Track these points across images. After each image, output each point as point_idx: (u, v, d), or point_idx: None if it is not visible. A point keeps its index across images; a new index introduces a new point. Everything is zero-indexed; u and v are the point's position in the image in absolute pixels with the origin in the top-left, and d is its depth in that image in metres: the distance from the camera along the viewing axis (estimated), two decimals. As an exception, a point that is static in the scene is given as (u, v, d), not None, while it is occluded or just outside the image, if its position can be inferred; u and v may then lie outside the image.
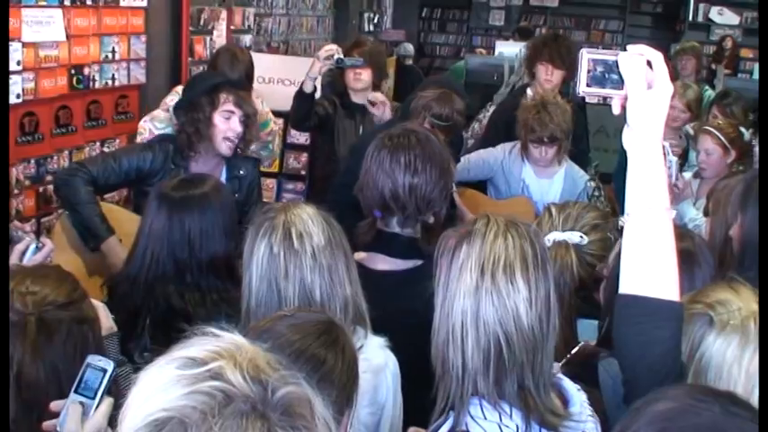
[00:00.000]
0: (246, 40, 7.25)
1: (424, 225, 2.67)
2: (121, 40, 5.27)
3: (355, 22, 10.41)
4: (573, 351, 2.25)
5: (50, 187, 4.65)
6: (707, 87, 7.19)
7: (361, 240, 2.66)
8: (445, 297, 1.76)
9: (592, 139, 5.33)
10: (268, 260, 2.16)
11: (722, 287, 1.88)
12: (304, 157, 6.20)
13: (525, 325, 1.70)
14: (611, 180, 4.74)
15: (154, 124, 4.51)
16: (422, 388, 1.82)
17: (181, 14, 5.91)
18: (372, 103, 4.62)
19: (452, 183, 3.04)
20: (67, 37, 4.73)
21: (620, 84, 1.73)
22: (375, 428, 2.19)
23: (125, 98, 5.42)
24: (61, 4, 4.66)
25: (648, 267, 1.71)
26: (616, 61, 1.72)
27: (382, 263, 2.65)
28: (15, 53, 4.27)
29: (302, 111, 4.82)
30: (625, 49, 1.75)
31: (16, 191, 4.44)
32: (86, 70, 4.96)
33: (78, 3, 4.83)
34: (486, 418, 1.69)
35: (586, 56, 1.74)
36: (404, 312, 2.30)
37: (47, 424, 1.81)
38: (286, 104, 5.79)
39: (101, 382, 1.81)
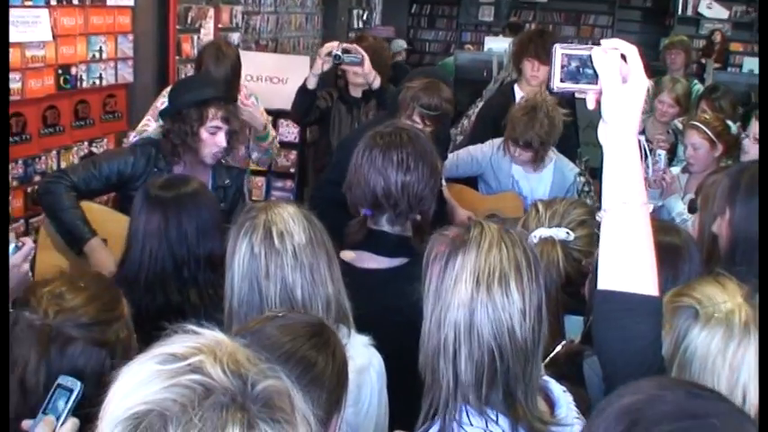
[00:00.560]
0: (234, 38, 7.22)
1: (414, 223, 2.66)
2: (108, 40, 5.26)
3: (344, 19, 10.38)
4: (557, 349, 2.24)
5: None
6: (696, 81, 7.21)
7: (351, 239, 2.66)
8: (436, 307, 1.74)
9: (581, 134, 5.32)
10: (249, 260, 2.15)
11: (708, 281, 1.88)
12: (293, 154, 6.20)
13: (519, 337, 1.69)
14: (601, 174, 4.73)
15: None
16: (407, 386, 1.82)
17: (168, 13, 5.88)
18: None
19: (441, 180, 3.04)
20: (54, 37, 4.72)
21: (594, 78, 1.71)
22: (359, 428, 2.19)
23: (113, 98, 5.41)
24: (47, 4, 4.65)
25: (626, 262, 1.71)
26: (590, 56, 1.71)
27: (370, 261, 2.65)
28: (1, 53, 4.26)
29: (304, 106, 4.86)
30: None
31: (4, 191, 4.43)
32: (73, 70, 4.94)
33: (65, 2, 4.81)
34: (472, 425, 1.69)
35: (559, 51, 1.72)
36: (390, 310, 2.30)
37: None
38: (275, 102, 5.81)
39: (66, 403, 1.79)
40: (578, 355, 2.14)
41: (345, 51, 4.60)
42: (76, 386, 1.80)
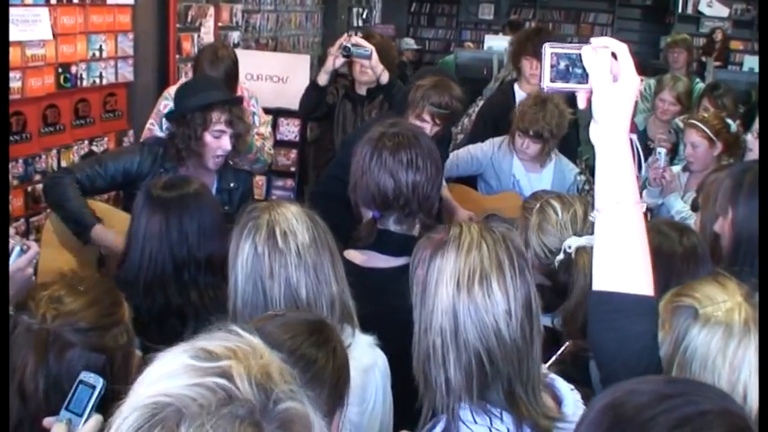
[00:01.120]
0: (234, 36, 7.22)
1: (422, 223, 2.66)
2: (109, 38, 5.25)
3: (344, 18, 10.37)
4: (561, 350, 2.24)
5: (39, 186, 4.64)
6: (698, 80, 7.20)
7: (363, 243, 2.66)
8: (423, 312, 1.74)
9: (582, 133, 5.31)
10: (253, 260, 2.15)
11: (708, 281, 1.87)
12: (293, 153, 6.19)
13: (507, 338, 1.68)
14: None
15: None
16: (411, 385, 1.81)
17: (168, 12, 5.88)
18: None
19: (443, 179, 3.05)
20: (54, 35, 4.71)
21: (584, 78, 1.70)
22: (364, 427, 2.18)
23: (113, 96, 5.40)
24: (47, 3, 4.64)
25: (620, 263, 1.69)
26: (579, 55, 1.69)
27: (375, 260, 2.65)
28: (1, 52, 4.25)
29: (312, 102, 4.89)
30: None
31: (4, 190, 4.42)
32: (74, 69, 4.93)
33: (65, 1, 4.80)
34: (476, 422, 1.68)
35: (549, 50, 1.71)
36: (394, 309, 2.29)
37: None
38: (275, 101, 5.81)
39: (89, 399, 1.79)
40: (584, 353, 2.14)
41: (355, 45, 4.60)
42: (99, 383, 1.80)
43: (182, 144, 3.55)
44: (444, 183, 4.33)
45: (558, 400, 1.79)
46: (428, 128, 3.59)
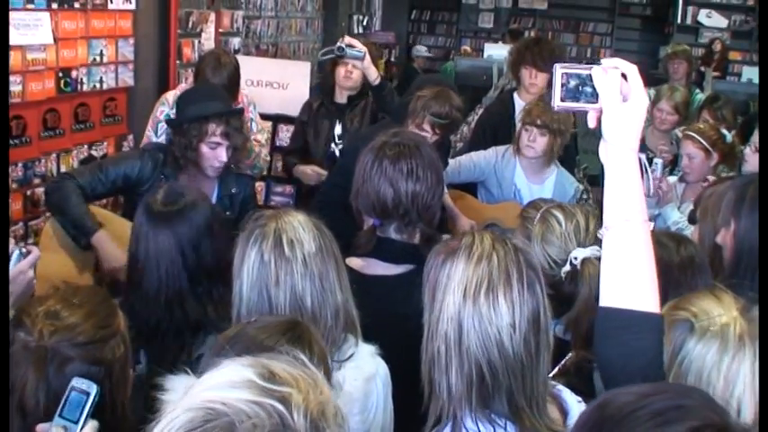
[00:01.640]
0: (235, 42, 7.23)
1: (423, 232, 2.68)
2: (109, 43, 5.25)
3: (344, 25, 10.40)
4: (564, 360, 2.24)
5: (38, 191, 4.64)
6: (698, 91, 7.22)
7: (362, 250, 2.66)
8: (431, 317, 1.76)
9: (580, 142, 5.33)
10: (259, 267, 2.15)
11: (704, 294, 1.88)
12: (293, 160, 6.19)
13: (510, 351, 1.69)
14: (600, 182, 4.75)
15: None
16: (414, 393, 1.81)
17: (169, 17, 5.88)
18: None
19: (444, 188, 3.05)
20: (55, 40, 4.72)
21: (594, 97, 1.72)
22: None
23: (113, 101, 5.40)
24: (49, 7, 4.65)
25: (628, 280, 1.70)
26: (590, 75, 1.72)
27: (377, 268, 2.65)
28: (2, 56, 4.26)
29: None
30: (613, 55, 1.74)
31: (4, 194, 4.42)
32: (74, 73, 4.94)
33: (66, 6, 4.81)
34: (480, 431, 1.69)
35: (559, 70, 1.73)
36: (397, 317, 2.30)
37: None
38: (275, 107, 5.82)
39: (84, 406, 1.78)
40: (588, 364, 2.14)
41: (348, 45, 4.59)
42: (93, 389, 1.78)
43: (178, 152, 3.56)
44: (446, 189, 4.35)
45: (565, 412, 1.80)
46: (428, 137, 3.61)
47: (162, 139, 4.43)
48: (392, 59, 13.15)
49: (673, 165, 4.99)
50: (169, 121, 3.75)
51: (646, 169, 3.87)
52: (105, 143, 5.33)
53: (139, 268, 2.63)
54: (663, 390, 1.27)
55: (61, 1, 4.76)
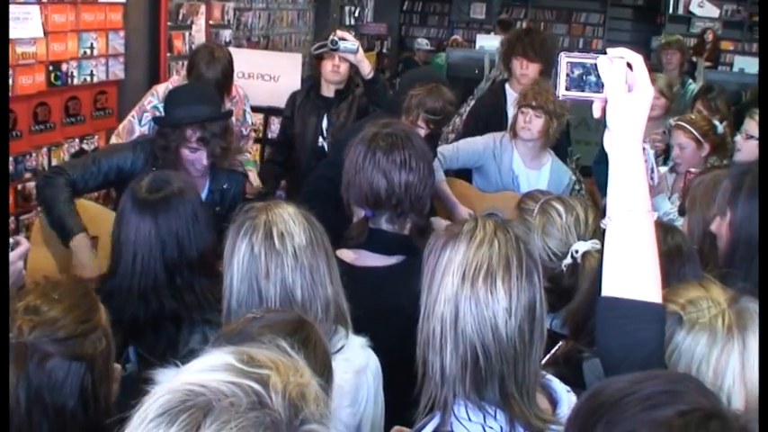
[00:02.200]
0: (226, 34, 7.21)
1: (414, 223, 2.68)
2: (100, 36, 5.24)
3: (336, 16, 10.38)
4: (553, 350, 2.25)
5: (29, 185, 4.63)
6: (690, 81, 7.22)
7: (354, 242, 2.67)
8: (429, 298, 1.76)
9: (573, 132, 5.33)
10: (249, 260, 2.14)
11: (693, 286, 1.89)
12: (284, 152, 6.18)
13: (503, 336, 1.69)
14: (592, 173, 4.76)
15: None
16: (405, 385, 1.82)
17: (159, 9, 5.87)
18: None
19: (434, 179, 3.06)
20: (45, 33, 4.71)
21: (599, 87, 1.72)
22: (356, 428, 2.19)
23: (104, 94, 5.39)
24: (39, 1, 4.63)
25: (630, 270, 1.71)
26: (594, 64, 1.72)
27: (368, 259, 2.66)
28: (-8, 50, 4.24)
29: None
30: (606, 45, 1.74)
31: (-6, 188, 4.41)
32: (64, 66, 4.93)
33: (56, -2, 4.79)
34: (470, 419, 1.69)
35: (564, 59, 1.74)
36: (388, 308, 2.31)
37: None
38: (266, 100, 5.80)
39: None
40: (577, 354, 2.15)
41: (342, 38, 4.58)
42: None
43: (159, 154, 3.55)
44: (443, 177, 4.36)
45: (554, 402, 1.81)
46: (422, 133, 3.63)
47: (145, 130, 4.43)
48: (384, 51, 13.15)
49: (666, 155, 4.98)
50: (154, 120, 3.75)
51: (650, 160, 3.88)
52: (96, 137, 5.31)
53: (117, 259, 2.62)
54: (655, 376, 1.29)
55: (51, -6, 4.74)
